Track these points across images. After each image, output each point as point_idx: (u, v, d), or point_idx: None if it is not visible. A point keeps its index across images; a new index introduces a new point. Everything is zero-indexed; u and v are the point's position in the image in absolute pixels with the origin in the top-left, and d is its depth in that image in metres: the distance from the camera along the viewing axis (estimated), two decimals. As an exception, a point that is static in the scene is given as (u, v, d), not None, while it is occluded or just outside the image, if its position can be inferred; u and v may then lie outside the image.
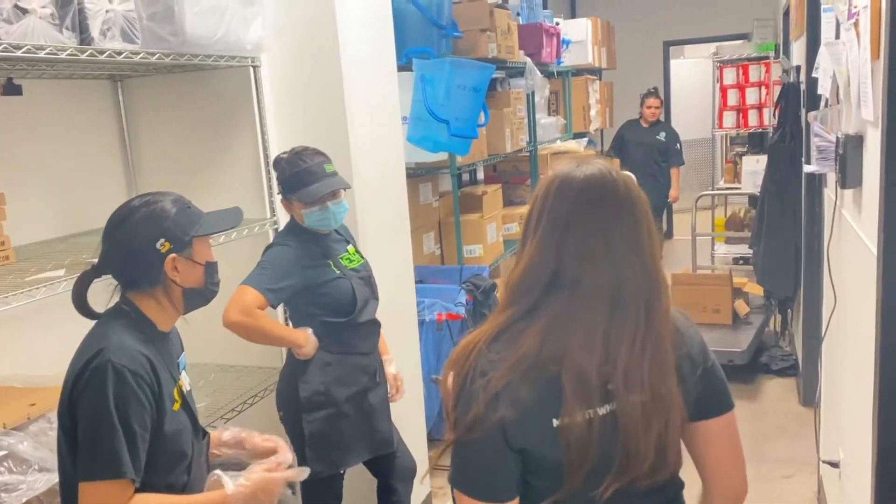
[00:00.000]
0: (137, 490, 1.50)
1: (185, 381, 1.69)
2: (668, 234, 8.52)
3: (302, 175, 2.38)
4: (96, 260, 1.63)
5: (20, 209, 2.50)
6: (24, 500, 1.68)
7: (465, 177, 5.32)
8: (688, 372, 1.33)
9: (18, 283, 1.95)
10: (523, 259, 1.31)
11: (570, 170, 1.31)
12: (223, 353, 2.97)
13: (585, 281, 1.26)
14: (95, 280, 1.65)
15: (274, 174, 2.75)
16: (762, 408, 4.30)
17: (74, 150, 2.74)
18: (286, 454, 1.78)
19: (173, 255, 1.58)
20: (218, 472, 1.63)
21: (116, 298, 1.64)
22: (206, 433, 1.75)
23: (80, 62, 2.04)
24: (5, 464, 1.70)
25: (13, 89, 2.49)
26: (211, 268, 1.67)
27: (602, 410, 1.24)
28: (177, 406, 1.60)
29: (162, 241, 1.57)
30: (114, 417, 1.44)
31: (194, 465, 1.65)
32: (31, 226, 2.55)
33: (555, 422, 1.23)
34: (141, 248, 1.57)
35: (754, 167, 6.14)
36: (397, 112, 3.12)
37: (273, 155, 2.78)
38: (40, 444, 1.77)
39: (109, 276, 1.64)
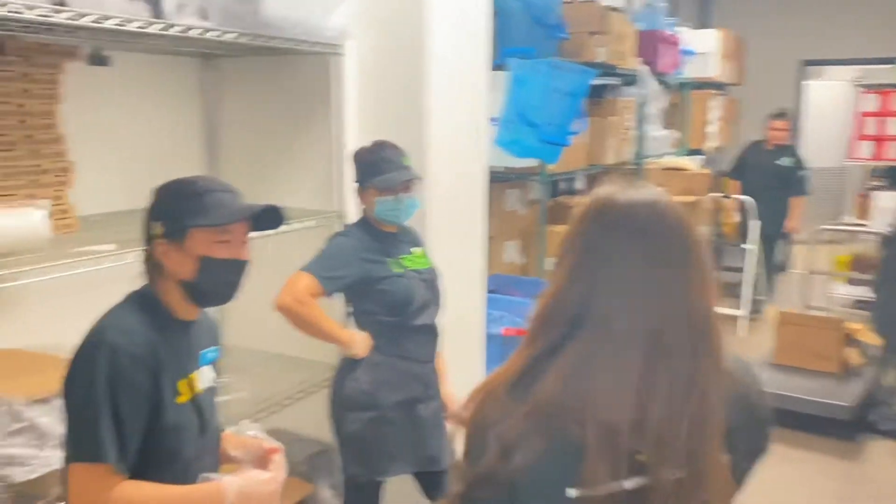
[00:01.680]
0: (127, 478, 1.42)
1: (203, 376, 1.59)
2: (786, 267, 7.94)
3: (380, 163, 2.34)
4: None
5: (96, 179, 2.52)
6: (35, 475, 1.65)
7: (563, 185, 5.10)
8: (742, 440, 1.13)
9: (65, 253, 1.94)
10: (550, 288, 1.14)
11: (614, 192, 1.13)
12: (284, 342, 2.92)
13: (619, 318, 1.07)
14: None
15: (346, 167, 2.69)
16: (862, 470, 3.87)
17: (157, 124, 2.75)
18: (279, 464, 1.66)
19: (162, 240, 1.50)
20: (205, 474, 1.53)
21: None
22: (217, 434, 1.67)
23: (149, 36, 2.01)
24: (24, 436, 1.68)
25: (100, 60, 2.52)
26: (209, 264, 1.50)
27: (629, 485, 1.04)
28: (181, 399, 1.51)
29: (157, 223, 1.50)
30: (101, 398, 1.37)
31: (195, 464, 1.55)
32: (104, 196, 2.57)
33: (571, 492, 1.04)
34: (146, 227, 1.53)
35: (888, 204, 5.61)
36: (484, 113, 2.97)
37: (347, 147, 2.71)
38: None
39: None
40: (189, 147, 2.91)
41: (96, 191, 2.52)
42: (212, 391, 1.64)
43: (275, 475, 1.58)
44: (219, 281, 1.53)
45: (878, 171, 6.92)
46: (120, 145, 2.63)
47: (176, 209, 1.50)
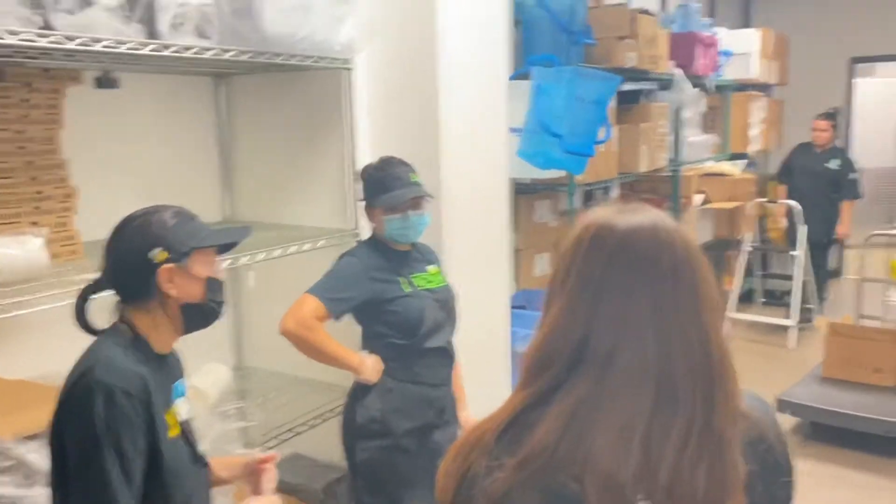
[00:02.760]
0: None
1: (181, 408, 1.56)
2: (838, 273, 7.61)
3: (386, 180, 2.26)
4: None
5: (105, 203, 2.47)
6: (22, 516, 1.59)
7: (598, 194, 4.94)
8: (761, 490, 0.99)
9: (64, 281, 1.89)
10: (543, 328, 1.02)
11: (611, 217, 1.01)
12: (301, 365, 2.84)
13: (623, 357, 0.95)
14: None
15: (359, 184, 2.61)
16: (924, 494, 3.62)
17: (169, 145, 2.71)
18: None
19: (169, 265, 1.46)
20: None
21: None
22: (206, 463, 1.62)
23: (147, 57, 1.96)
24: (12, 475, 1.62)
25: (109, 83, 2.49)
26: (213, 284, 1.54)
27: None
28: (173, 432, 1.48)
29: (157, 250, 1.45)
30: (103, 441, 1.33)
31: (194, 498, 1.52)
32: (115, 221, 2.53)
33: None
34: (135, 258, 1.46)
35: (946, 205, 5.30)
36: (504, 123, 2.86)
37: (360, 164, 2.63)
38: (55, 456, 1.68)
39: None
40: (202, 167, 2.86)
41: (106, 215, 2.47)
42: (189, 422, 1.60)
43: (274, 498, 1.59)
44: (219, 301, 1.56)
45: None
46: (130, 168, 2.59)
47: (176, 233, 1.48)
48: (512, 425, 1.00)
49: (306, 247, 2.44)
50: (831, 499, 3.49)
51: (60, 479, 1.40)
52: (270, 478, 1.66)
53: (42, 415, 1.62)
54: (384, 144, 2.62)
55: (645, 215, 1.02)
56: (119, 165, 2.55)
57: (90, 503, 1.34)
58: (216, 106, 2.87)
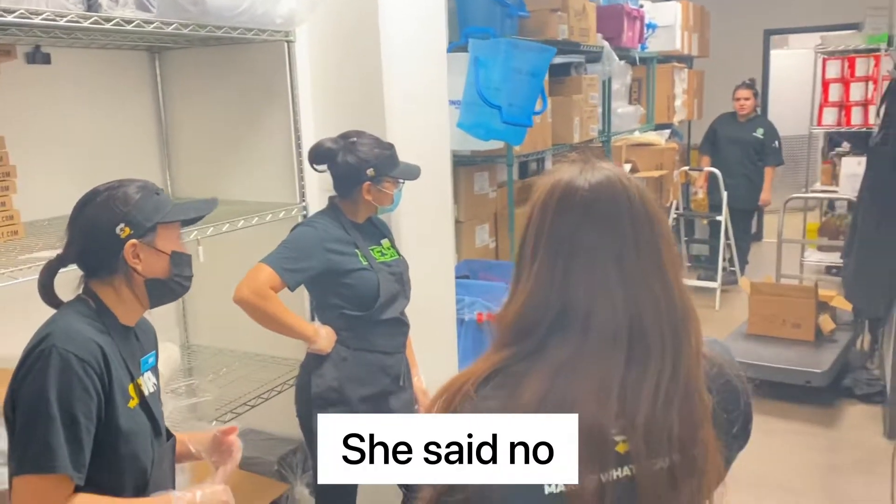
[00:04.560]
0: (82, 488, 1.38)
1: (147, 380, 1.57)
2: (758, 237, 7.98)
3: (394, 154, 2.33)
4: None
5: (43, 182, 2.43)
6: (-17, 496, 1.58)
7: (533, 165, 5.05)
8: (724, 419, 1.09)
9: (8, 261, 1.85)
10: (520, 293, 1.06)
11: (574, 177, 1.06)
12: (251, 340, 2.85)
13: (598, 317, 1.01)
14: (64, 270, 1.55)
15: (305, 158, 2.61)
16: (840, 437, 3.89)
17: (106, 122, 2.65)
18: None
19: (134, 240, 1.48)
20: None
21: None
22: (171, 436, 1.63)
23: (86, 30, 1.92)
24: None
25: (41, 58, 2.42)
26: (179, 258, 1.56)
27: (617, 473, 0.99)
28: (133, 403, 1.49)
29: (122, 225, 1.47)
30: (53, 406, 1.34)
31: (155, 470, 1.54)
32: (55, 200, 2.47)
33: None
34: (100, 233, 1.47)
35: (855, 170, 5.61)
36: (444, 96, 2.90)
37: (305, 136, 2.63)
38: (12, 436, 1.66)
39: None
40: (141, 144, 2.81)
41: (44, 194, 2.43)
42: (155, 396, 1.62)
43: (225, 488, 1.58)
44: (186, 275, 1.58)
45: (843, 136, 6.92)
46: (67, 146, 2.53)
47: (142, 208, 1.49)
48: (493, 376, 1.04)
49: (254, 221, 2.43)
50: (759, 443, 3.71)
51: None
52: (236, 449, 1.69)
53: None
54: (328, 117, 2.64)
55: (601, 172, 1.06)
56: (55, 143, 2.49)
57: (26, 469, 1.34)
58: (153, 81, 2.82)
